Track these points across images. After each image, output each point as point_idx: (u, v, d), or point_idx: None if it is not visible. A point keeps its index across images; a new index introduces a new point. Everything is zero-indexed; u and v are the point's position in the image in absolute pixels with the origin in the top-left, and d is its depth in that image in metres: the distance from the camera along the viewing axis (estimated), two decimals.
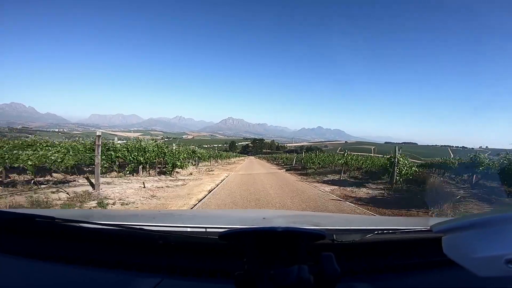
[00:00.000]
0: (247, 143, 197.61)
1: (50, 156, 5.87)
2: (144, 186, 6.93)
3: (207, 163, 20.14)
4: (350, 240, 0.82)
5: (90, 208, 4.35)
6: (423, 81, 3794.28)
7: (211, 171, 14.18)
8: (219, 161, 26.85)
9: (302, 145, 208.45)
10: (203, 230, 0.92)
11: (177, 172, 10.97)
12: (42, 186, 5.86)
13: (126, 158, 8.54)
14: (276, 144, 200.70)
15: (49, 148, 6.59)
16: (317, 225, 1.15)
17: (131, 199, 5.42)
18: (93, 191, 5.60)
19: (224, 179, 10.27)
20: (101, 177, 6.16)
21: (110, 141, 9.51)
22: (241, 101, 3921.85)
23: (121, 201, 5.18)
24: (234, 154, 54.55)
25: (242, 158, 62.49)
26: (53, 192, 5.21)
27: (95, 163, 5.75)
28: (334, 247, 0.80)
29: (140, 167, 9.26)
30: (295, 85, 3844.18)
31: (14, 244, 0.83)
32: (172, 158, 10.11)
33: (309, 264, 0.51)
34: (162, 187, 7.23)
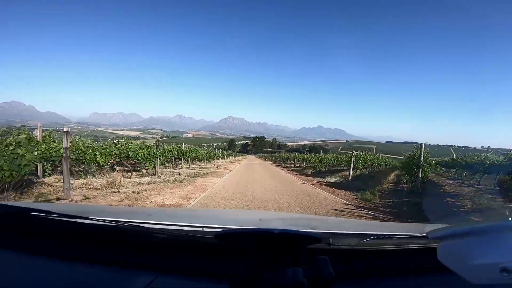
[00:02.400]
0: (247, 141, 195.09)
1: None
2: None
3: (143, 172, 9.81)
4: (346, 245, 0.82)
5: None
6: (424, 80, 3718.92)
7: None
8: (185, 166, 14.81)
9: (305, 144, 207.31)
10: (200, 229, 0.90)
11: None
12: None
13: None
14: (277, 143, 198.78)
15: None
16: (314, 228, 1.11)
17: None
18: None
19: None
20: None
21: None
22: (241, 100, 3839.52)
23: None
24: (228, 153, 44.66)
25: (240, 158, 53.51)
26: None
27: None
28: (330, 251, 0.80)
29: None
30: (296, 84, 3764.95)
31: (8, 238, 0.82)
32: None
33: (304, 267, 0.51)
34: None
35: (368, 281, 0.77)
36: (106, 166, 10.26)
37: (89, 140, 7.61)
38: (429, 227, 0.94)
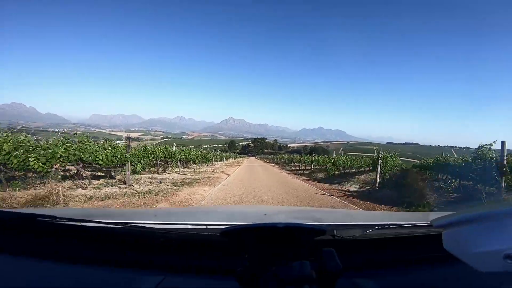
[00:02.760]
0: (247, 143, 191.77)
1: None
2: None
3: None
4: (351, 236, 0.83)
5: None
6: (425, 81, 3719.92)
7: None
8: (175, 170, 12.65)
9: (306, 145, 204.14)
10: (204, 227, 0.92)
11: None
12: None
13: None
14: (278, 144, 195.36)
15: None
16: (318, 220, 1.16)
17: None
18: None
19: None
20: None
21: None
22: (242, 102, 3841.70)
23: None
24: (228, 154, 39.72)
25: (241, 159, 48.11)
26: None
27: None
28: (335, 242, 0.81)
29: None
30: (296, 86, 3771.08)
31: (16, 244, 0.83)
32: None
33: (310, 260, 0.52)
34: None
35: (374, 271, 0.78)
36: (72, 171, 7.79)
37: (22, 136, 5.35)
38: (433, 215, 0.92)
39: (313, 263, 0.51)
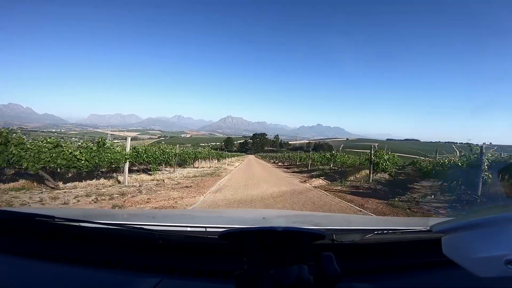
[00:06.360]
0: (245, 139, 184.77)
1: None
2: None
3: None
4: (350, 240, 0.83)
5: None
6: (424, 77, 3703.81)
7: None
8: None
9: (309, 142, 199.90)
10: (203, 229, 0.93)
11: None
12: None
13: None
14: (280, 141, 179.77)
15: None
16: (317, 225, 1.16)
17: None
18: None
19: None
20: None
21: None
22: (240, 100, 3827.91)
23: None
24: (207, 151, 21.49)
25: (235, 159, 39.30)
26: None
27: None
28: (334, 247, 0.81)
29: None
30: (294, 83, 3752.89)
31: (14, 243, 0.83)
32: None
33: (309, 264, 0.52)
34: None
35: (373, 276, 0.77)
36: None
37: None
38: (432, 221, 0.92)
39: (311, 268, 0.51)
